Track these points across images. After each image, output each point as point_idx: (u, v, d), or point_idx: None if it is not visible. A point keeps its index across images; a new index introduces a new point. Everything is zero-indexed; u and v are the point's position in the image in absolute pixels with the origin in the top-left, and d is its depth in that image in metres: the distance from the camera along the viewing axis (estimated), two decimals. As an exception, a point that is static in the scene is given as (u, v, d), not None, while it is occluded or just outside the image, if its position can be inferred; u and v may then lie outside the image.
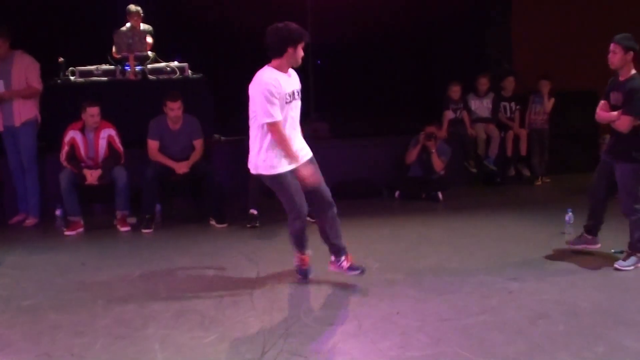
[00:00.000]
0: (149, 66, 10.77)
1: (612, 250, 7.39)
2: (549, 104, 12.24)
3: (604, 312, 5.69)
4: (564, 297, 6.08)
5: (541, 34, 13.69)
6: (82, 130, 9.24)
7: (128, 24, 11.22)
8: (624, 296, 6.13)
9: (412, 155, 11.04)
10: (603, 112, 7.15)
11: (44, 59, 10.61)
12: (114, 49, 10.87)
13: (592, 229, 7.54)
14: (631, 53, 6.84)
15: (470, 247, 7.93)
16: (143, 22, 11.35)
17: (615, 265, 6.95)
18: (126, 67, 10.67)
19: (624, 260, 6.99)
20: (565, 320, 5.51)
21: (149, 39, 11.13)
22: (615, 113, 6.96)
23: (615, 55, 6.87)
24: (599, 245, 7.54)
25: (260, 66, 6.43)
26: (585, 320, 5.52)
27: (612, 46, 6.89)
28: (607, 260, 7.20)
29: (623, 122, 6.85)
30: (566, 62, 13.03)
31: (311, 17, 13.41)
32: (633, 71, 6.94)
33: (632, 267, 6.93)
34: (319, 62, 15.12)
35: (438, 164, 10.92)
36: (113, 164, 9.28)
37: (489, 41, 14.49)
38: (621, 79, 6.98)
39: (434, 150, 10.88)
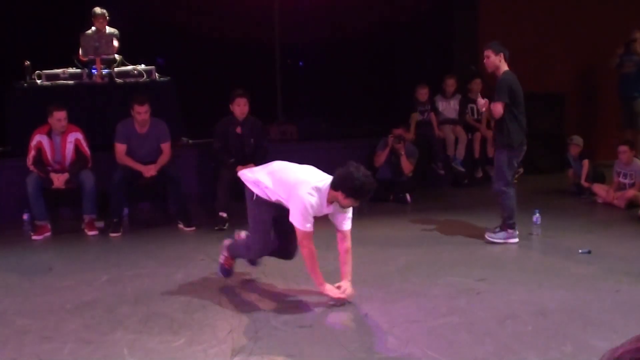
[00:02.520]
0: (116, 69, 10.71)
1: (580, 251, 7.46)
2: None
3: (571, 312, 5.74)
4: (532, 298, 6.13)
5: (508, 36, 13.72)
6: (49, 134, 9.18)
7: (93, 27, 11.15)
8: (590, 296, 6.18)
9: (381, 158, 11.07)
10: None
11: (10, 63, 10.55)
12: (80, 51, 10.79)
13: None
14: (501, 55, 7.82)
15: (438, 249, 7.97)
16: (109, 25, 11.29)
17: (486, 237, 8.09)
18: (93, 70, 10.60)
19: (494, 233, 8.07)
20: (533, 320, 5.55)
21: (115, 43, 11.08)
22: (485, 100, 8.25)
23: (489, 60, 7.88)
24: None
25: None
26: (552, 320, 5.56)
27: (485, 52, 7.94)
28: (574, 261, 7.27)
29: (495, 109, 7.93)
30: (533, 64, 13.11)
31: (279, 20, 13.44)
32: (504, 69, 7.89)
33: (501, 241, 7.99)
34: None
35: (407, 166, 10.96)
36: (80, 168, 9.22)
37: (456, 43, 14.56)
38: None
39: (403, 153, 10.92)
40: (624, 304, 5.94)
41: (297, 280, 6.63)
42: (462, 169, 12.29)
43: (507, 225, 8.04)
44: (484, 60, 8.04)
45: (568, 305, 5.93)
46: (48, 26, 12.29)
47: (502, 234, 8.05)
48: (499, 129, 8.09)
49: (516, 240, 8.03)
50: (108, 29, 11.22)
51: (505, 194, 8.02)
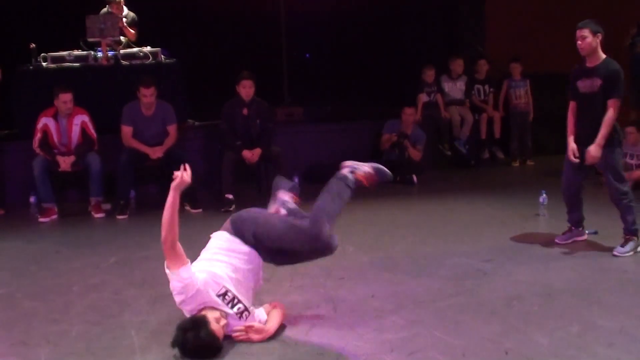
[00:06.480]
0: (122, 51, 10.68)
1: (586, 232, 7.43)
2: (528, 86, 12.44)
3: (577, 293, 5.73)
4: (538, 278, 6.13)
5: (516, 16, 13.71)
6: (55, 116, 9.19)
7: (107, 9, 11.05)
8: (597, 277, 6.18)
9: (386, 144, 11.08)
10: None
11: (15, 45, 10.53)
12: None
13: (579, 221, 7.33)
14: (599, 36, 6.74)
15: (444, 230, 7.97)
16: (128, 9, 11.18)
17: (614, 253, 6.80)
18: (98, 52, 10.57)
19: (622, 246, 6.84)
20: (539, 301, 5.55)
21: (128, 26, 11.02)
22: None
23: (585, 40, 6.71)
24: (585, 237, 7.35)
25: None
26: (559, 300, 5.56)
27: (579, 32, 6.75)
28: (581, 241, 7.25)
29: (614, 108, 6.67)
30: (541, 44, 13.08)
31: (285, 2, 13.40)
32: (603, 55, 6.82)
33: (631, 253, 6.79)
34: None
35: (416, 154, 11.04)
36: (86, 150, 9.24)
37: (463, 24, 14.51)
38: (590, 65, 6.84)
39: (408, 146, 10.95)
40: (631, 285, 5.94)
41: (304, 263, 6.63)
42: (464, 151, 12.28)
43: (632, 232, 6.86)
44: (578, 42, 6.76)
45: (574, 285, 5.93)
46: (53, 8, 12.26)
47: (631, 244, 6.84)
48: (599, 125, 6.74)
49: None
50: (126, 11, 11.13)
51: (626, 193, 6.84)
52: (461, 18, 14.54)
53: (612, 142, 6.79)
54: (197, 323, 4.60)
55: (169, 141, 9.47)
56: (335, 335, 4.95)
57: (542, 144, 12.67)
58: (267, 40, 13.70)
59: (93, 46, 10.68)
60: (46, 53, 10.43)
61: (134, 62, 10.65)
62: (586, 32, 6.72)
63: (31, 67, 10.39)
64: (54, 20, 11.99)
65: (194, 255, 6.33)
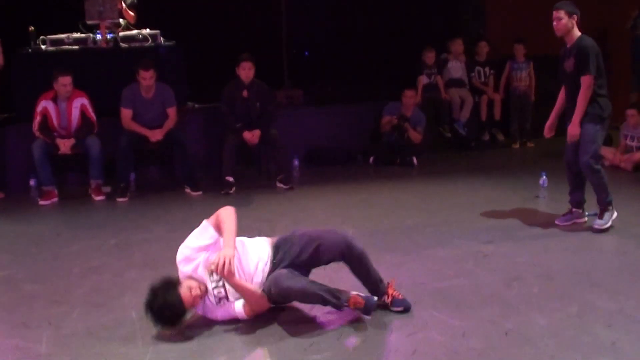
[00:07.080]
0: (121, 34, 10.63)
1: (586, 213, 7.43)
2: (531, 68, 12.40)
3: (577, 274, 5.74)
4: (538, 260, 6.14)
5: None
6: (55, 99, 9.18)
7: None
8: (596, 258, 6.19)
9: (386, 127, 11.06)
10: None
11: (14, 28, 10.49)
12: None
13: (580, 202, 7.38)
14: (575, 17, 6.88)
15: (445, 212, 7.98)
16: None
17: (594, 226, 6.99)
18: (97, 35, 10.53)
19: (601, 218, 7.03)
20: (539, 282, 5.56)
21: (131, 12, 11.00)
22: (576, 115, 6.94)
23: (561, 21, 6.87)
24: (585, 219, 7.36)
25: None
26: (558, 282, 5.57)
27: (555, 13, 6.90)
28: (580, 223, 7.25)
29: (585, 84, 6.82)
30: (542, 25, 12.99)
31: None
32: (579, 33, 6.94)
33: (609, 223, 6.99)
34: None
35: (416, 136, 11.01)
36: (86, 133, 9.23)
37: (463, 6, 14.47)
38: (568, 45, 7.01)
39: (409, 129, 10.93)
40: (630, 266, 5.94)
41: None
42: (463, 132, 12.27)
43: (607, 203, 7.02)
44: (554, 23, 6.91)
45: (574, 267, 5.94)
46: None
47: (608, 214, 7.03)
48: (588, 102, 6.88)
49: (615, 215, 7.09)
50: None
51: (596, 170, 6.95)
52: (461, 0, 14.50)
53: (592, 118, 6.93)
54: (167, 284, 4.78)
55: (169, 124, 9.46)
56: (335, 317, 4.97)
57: (542, 125, 12.56)
58: (268, 21, 13.66)
59: (92, 29, 10.64)
60: (45, 36, 10.39)
61: (133, 44, 10.61)
62: (562, 14, 6.87)
63: (30, 50, 10.36)
64: (52, 2, 11.93)
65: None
